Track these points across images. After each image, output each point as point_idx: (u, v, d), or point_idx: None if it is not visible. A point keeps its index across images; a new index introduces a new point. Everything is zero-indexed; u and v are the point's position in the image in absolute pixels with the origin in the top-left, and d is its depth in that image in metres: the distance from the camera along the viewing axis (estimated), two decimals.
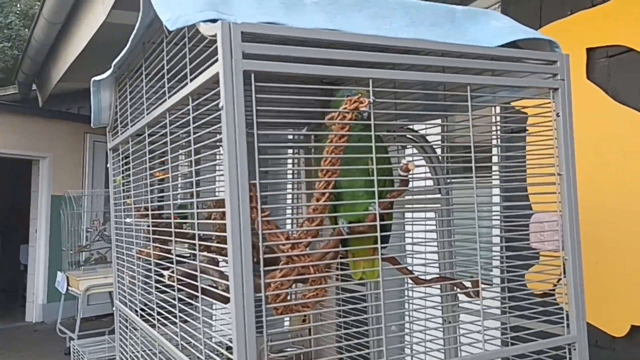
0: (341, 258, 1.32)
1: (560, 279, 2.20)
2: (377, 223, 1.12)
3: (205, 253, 1.45)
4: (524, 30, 1.35)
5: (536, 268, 1.90)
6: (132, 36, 1.51)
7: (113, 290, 2.21)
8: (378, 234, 1.12)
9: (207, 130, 1.17)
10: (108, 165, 2.07)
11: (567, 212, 1.29)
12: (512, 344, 1.45)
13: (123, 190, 1.92)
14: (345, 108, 1.12)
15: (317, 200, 1.11)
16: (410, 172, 1.18)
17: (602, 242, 2.11)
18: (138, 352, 1.80)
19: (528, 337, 1.34)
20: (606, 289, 2.12)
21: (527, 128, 1.62)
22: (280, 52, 1.06)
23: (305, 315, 2.63)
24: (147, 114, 1.56)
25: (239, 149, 1.02)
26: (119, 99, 1.91)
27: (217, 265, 1.45)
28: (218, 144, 1.15)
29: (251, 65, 1.04)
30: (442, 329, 1.65)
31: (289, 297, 1.11)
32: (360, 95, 1.12)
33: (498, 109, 2.44)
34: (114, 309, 2.03)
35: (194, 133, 1.22)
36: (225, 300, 1.38)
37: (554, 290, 2.20)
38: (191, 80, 1.21)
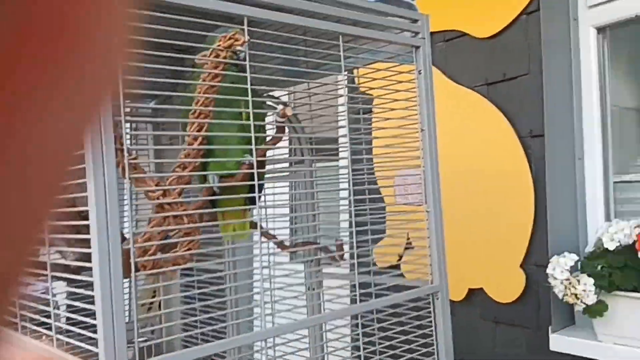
0: (209, 218, 1.23)
1: (402, 257, 2.32)
2: (255, 171, 1.05)
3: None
4: None
5: (383, 242, 1.98)
6: None
7: None
8: (256, 182, 1.05)
9: None
10: None
11: (428, 165, 1.34)
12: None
13: None
14: (219, 45, 1.04)
15: (189, 144, 1.02)
16: (287, 118, 1.13)
17: None
18: None
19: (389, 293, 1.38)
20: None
21: (373, 109, 1.68)
22: None
23: (151, 303, 2.44)
24: None
25: None
26: None
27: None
28: None
29: None
30: (304, 294, 1.62)
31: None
32: (235, 32, 1.05)
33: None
34: None
35: None
36: (76, 272, 1.22)
37: (399, 263, 2.31)
38: None
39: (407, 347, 1.34)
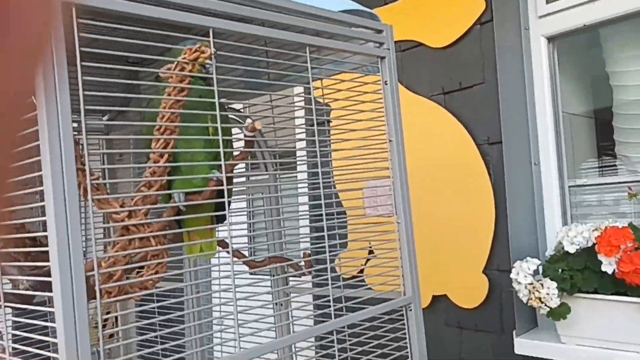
0: (174, 239, 1.17)
1: (364, 267, 2.30)
2: (224, 187, 1.01)
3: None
4: (350, 3, 1.37)
5: (345, 254, 1.97)
6: None
7: None
8: (225, 199, 1.01)
9: None
10: None
11: (397, 176, 1.33)
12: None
13: None
14: (184, 58, 0.99)
15: (155, 161, 0.96)
16: (257, 132, 1.09)
17: None
18: None
19: (364, 306, 1.35)
20: None
21: (338, 122, 1.67)
22: None
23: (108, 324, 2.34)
24: None
25: (59, 93, 0.83)
26: None
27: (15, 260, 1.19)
28: None
29: None
30: (273, 312, 1.58)
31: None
32: (201, 45, 1.00)
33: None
34: None
35: None
36: (29, 300, 1.14)
37: (362, 274, 2.30)
38: None
39: None
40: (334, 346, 1.19)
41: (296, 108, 1.49)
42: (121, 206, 0.91)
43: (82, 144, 0.86)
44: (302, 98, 1.83)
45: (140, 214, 0.92)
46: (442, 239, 2.22)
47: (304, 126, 1.39)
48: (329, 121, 1.56)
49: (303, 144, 2.21)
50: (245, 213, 1.97)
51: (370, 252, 2.13)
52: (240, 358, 1.03)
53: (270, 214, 1.62)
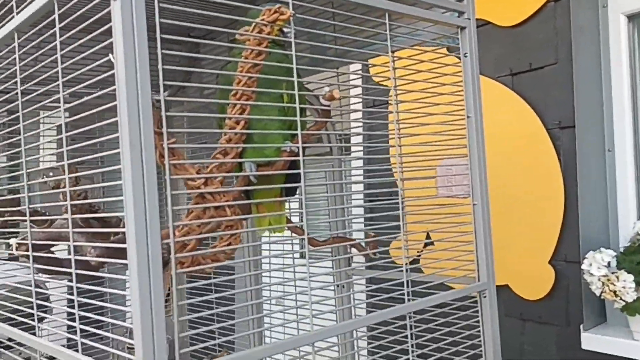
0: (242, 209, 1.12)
1: (422, 251, 2.22)
2: (301, 158, 0.95)
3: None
4: None
5: (398, 243, 1.89)
6: None
7: None
8: (302, 170, 0.96)
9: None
10: None
11: (475, 155, 1.26)
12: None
13: None
14: (263, 19, 0.94)
15: (231, 128, 0.92)
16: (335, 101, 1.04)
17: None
18: None
19: (432, 292, 1.28)
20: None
21: (389, 101, 1.59)
22: None
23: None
24: None
25: (138, 49, 0.79)
26: None
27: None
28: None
29: None
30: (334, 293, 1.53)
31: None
32: (280, 5, 0.95)
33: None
34: None
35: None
36: (94, 268, 1.12)
37: (419, 257, 2.22)
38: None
39: (454, 349, 1.25)
40: (404, 332, 1.13)
41: (368, 83, 1.42)
42: (197, 173, 0.87)
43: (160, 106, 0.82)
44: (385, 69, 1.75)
45: (217, 182, 0.88)
46: (506, 227, 2.12)
47: (375, 98, 1.32)
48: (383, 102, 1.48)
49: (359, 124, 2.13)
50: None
51: (427, 237, 2.05)
52: (313, 337, 0.98)
53: (333, 190, 1.57)
